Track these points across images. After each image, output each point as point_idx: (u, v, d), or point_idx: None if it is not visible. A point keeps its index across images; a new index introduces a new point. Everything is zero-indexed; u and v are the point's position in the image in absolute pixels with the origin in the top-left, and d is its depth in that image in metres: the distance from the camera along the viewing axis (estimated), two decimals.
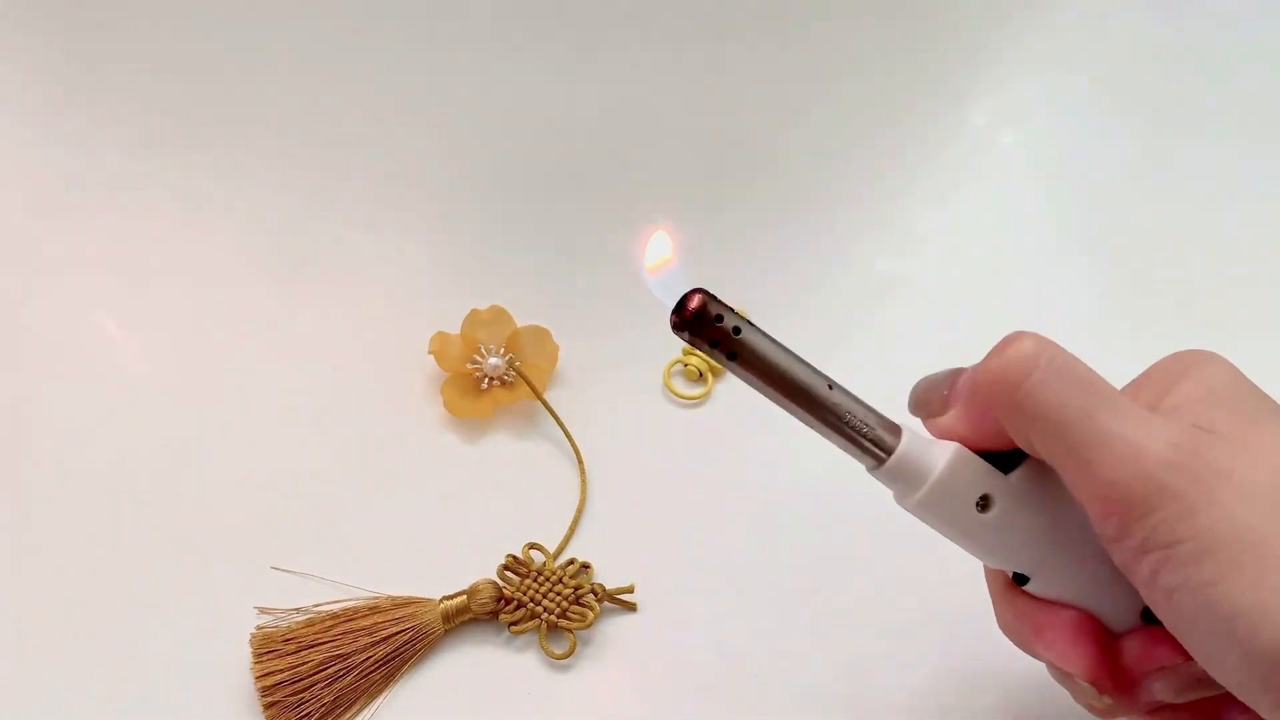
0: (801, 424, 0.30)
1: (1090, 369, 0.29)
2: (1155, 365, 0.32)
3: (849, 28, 0.62)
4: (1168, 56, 0.61)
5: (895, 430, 0.30)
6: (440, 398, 0.49)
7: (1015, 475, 0.30)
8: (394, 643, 0.42)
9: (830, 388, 0.29)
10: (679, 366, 0.50)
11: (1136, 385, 0.32)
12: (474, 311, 0.50)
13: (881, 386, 0.50)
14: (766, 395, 0.29)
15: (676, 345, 0.51)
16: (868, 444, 0.30)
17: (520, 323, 0.50)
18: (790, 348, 0.29)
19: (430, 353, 0.49)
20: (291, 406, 0.50)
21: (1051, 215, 0.56)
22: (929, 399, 0.32)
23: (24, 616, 0.44)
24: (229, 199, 0.56)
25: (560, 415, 0.48)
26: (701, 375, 0.50)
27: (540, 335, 0.49)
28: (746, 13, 0.62)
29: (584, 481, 0.47)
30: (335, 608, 0.43)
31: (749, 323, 0.28)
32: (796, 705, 0.42)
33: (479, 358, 0.49)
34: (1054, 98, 0.60)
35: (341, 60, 0.61)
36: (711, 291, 0.28)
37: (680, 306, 0.28)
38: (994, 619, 0.34)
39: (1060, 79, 0.61)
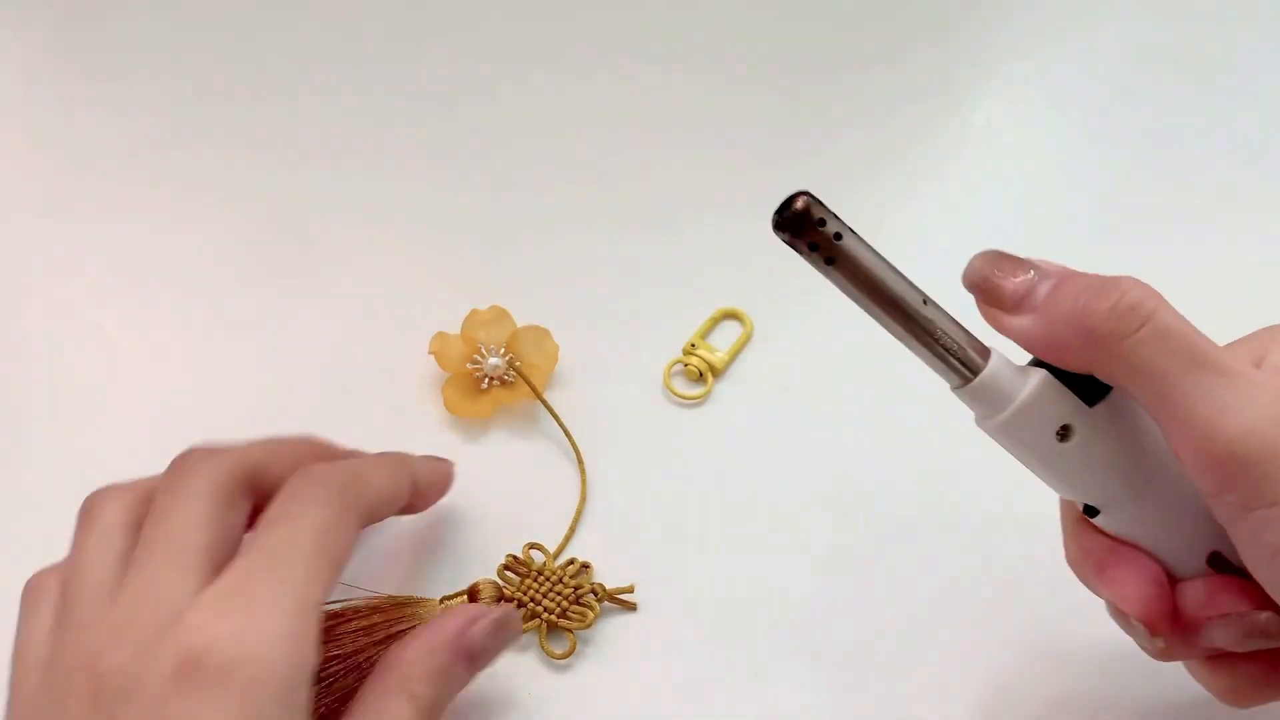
0: (891, 336, 0.30)
1: (1194, 327, 0.29)
2: (1252, 334, 0.32)
3: (848, 27, 0.62)
4: (1167, 58, 0.61)
5: (985, 352, 0.30)
6: (440, 398, 0.49)
7: (1100, 408, 0.31)
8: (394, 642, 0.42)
9: (925, 303, 0.30)
10: (679, 366, 0.50)
11: (1232, 348, 0.31)
12: (474, 311, 0.50)
13: (881, 387, 0.50)
14: (860, 304, 0.30)
15: (677, 345, 0.51)
16: (956, 362, 0.30)
17: (520, 323, 0.50)
18: (889, 259, 0.29)
19: (430, 353, 0.49)
20: (291, 406, 0.49)
21: (1052, 216, 0.56)
22: (998, 290, 0.31)
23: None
24: (228, 198, 0.56)
25: (560, 415, 0.48)
26: (701, 375, 0.50)
27: (540, 335, 0.49)
28: (745, 15, 0.62)
29: (584, 482, 0.47)
30: (335, 607, 0.43)
31: (851, 230, 0.29)
32: (798, 704, 0.42)
33: (479, 358, 0.49)
34: (1054, 98, 0.60)
35: (341, 60, 0.61)
36: (817, 195, 0.28)
37: (785, 206, 0.28)
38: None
39: (1060, 80, 0.61)
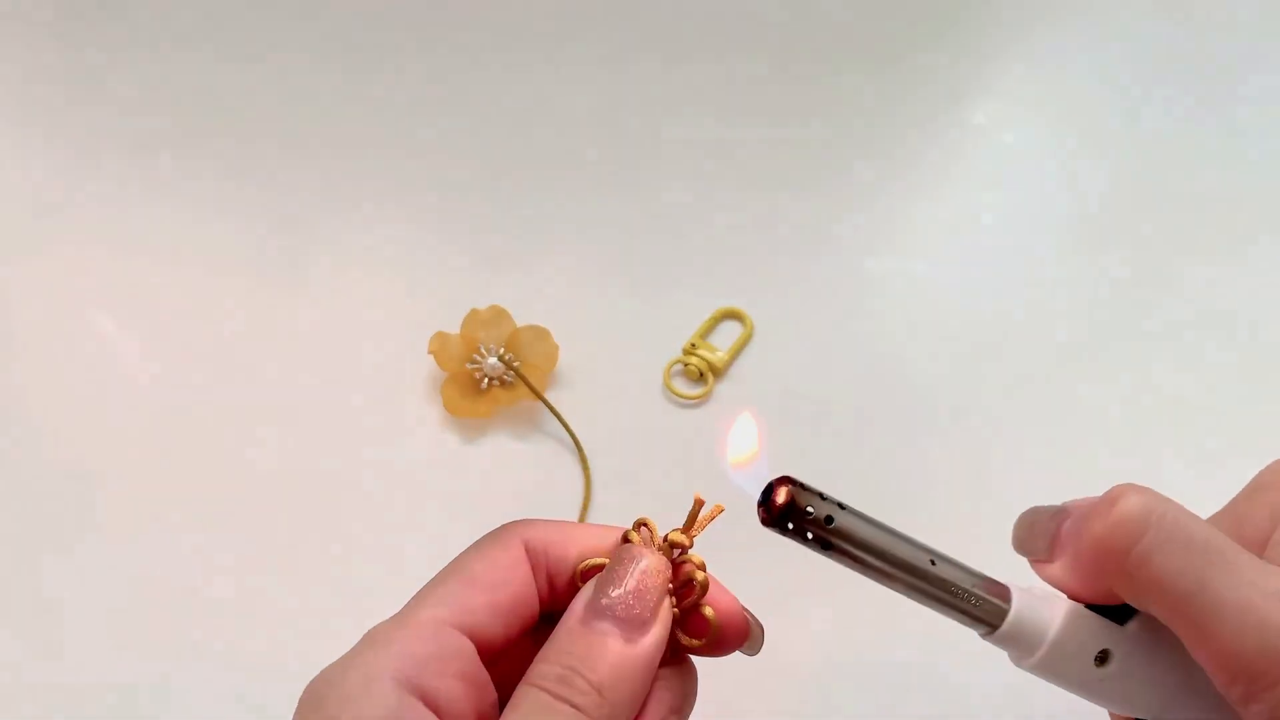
0: (904, 597, 0.28)
1: (1204, 525, 0.27)
2: (1263, 478, 0.30)
3: (848, 27, 0.62)
4: (1168, 56, 0.61)
5: (1004, 594, 0.28)
6: (440, 398, 0.49)
7: (1132, 626, 0.29)
8: None
9: (933, 563, 0.28)
10: (679, 366, 0.50)
11: (1247, 500, 0.30)
12: (474, 311, 0.50)
13: (878, 389, 0.50)
14: (867, 575, 0.28)
15: (676, 345, 0.51)
16: (976, 614, 0.28)
17: (520, 323, 0.50)
18: (886, 523, 0.27)
19: (430, 353, 0.49)
20: (291, 406, 0.49)
21: (1051, 215, 0.56)
22: (1033, 541, 0.30)
23: (19, 611, 0.44)
24: (228, 199, 0.56)
25: (560, 415, 0.48)
26: (701, 375, 0.50)
27: (540, 335, 0.49)
28: (746, 16, 0.62)
29: (588, 481, 0.47)
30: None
31: (841, 506, 0.27)
32: (799, 703, 0.42)
33: (479, 358, 0.49)
34: (1054, 97, 0.60)
35: (341, 61, 0.61)
36: (798, 479, 0.26)
37: (766, 498, 0.26)
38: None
39: (1060, 78, 0.61)
